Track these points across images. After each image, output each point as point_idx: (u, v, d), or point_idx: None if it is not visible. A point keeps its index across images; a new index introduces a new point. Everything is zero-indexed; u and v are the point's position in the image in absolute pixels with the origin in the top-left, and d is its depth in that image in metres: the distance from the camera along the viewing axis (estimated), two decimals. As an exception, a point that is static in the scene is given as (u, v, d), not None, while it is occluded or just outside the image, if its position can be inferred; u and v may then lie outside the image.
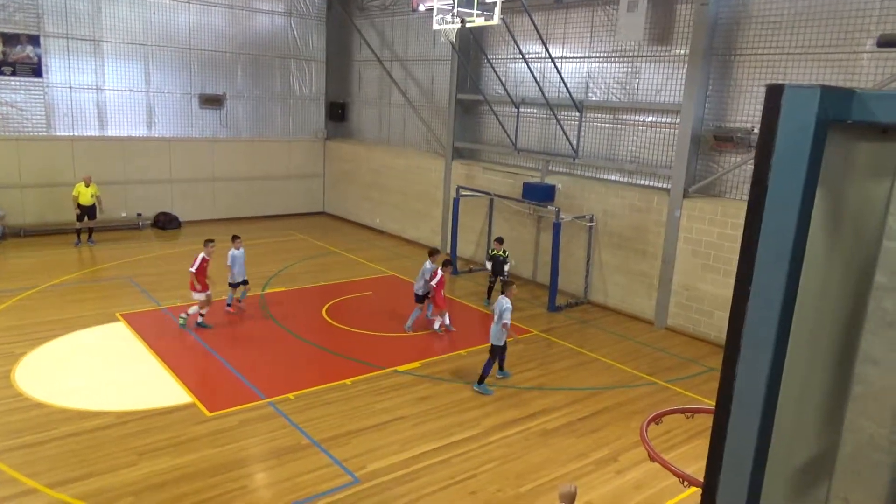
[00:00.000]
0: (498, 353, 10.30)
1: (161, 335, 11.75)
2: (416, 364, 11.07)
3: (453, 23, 14.56)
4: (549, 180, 15.80)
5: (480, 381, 10.17)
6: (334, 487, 7.54)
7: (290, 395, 9.68)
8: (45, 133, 18.35)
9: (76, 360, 10.48)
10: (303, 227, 21.36)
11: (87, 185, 17.47)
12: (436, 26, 14.93)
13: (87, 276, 15.07)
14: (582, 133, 15.53)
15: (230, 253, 12.75)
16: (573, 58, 15.60)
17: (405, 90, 20.70)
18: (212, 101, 20.97)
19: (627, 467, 8.29)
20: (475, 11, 13.94)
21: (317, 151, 23.62)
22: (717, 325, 12.60)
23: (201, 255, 11.86)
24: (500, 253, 14.11)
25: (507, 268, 14.16)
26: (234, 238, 13.01)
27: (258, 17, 21.49)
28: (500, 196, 16.43)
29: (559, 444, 8.78)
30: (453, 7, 14.18)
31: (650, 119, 14.23)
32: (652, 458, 6.10)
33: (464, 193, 16.91)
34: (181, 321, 12.03)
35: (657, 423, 9.31)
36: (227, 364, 10.73)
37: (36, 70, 17.95)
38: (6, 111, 17.74)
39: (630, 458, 8.46)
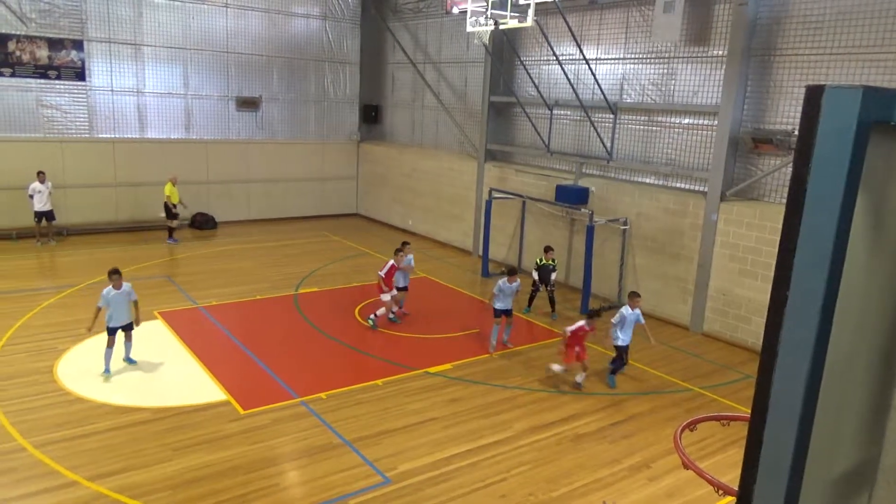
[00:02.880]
0: (624, 351, 10.64)
1: (197, 333, 11.98)
2: (447, 366, 11.08)
3: (486, 25, 14.56)
4: (582, 183, 15.67)
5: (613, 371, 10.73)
6: (365, 487, 7.58)
7: (323, 395, 9.78)
8: (87, 135, 18.87)
9: (115, 356, 10.72)
10: (336, 229, 21.56)
11: (174, 185, 18.32)
12: (469, 28, 14.96)
13: (127, 274, 15.39)
14: (616, 135, 15.37)
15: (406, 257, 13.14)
16: (608, 59, 15.46)
17: (438, 92, 20.76)
18: (248, 104, 21.32)
19: (660, 474, 8.17)
20: (509, 13, 13.93)
21: (350, 153, 23.83)
22: (754, 331, 12.34)
23: (390, 262, 12.62)
24: (550, 262, 13.78)
25: (553, 277, 13.87)
26: (403, 244, 13.41)
27: (294, 21, 21.78)
28: (532, 199, 16.36)
29: (591, 450, 8.69)
30: (487, 9, 14.19)
31: (686, 121, 14.01)
32: (686, 466, 5.99)
33: (496, 196, 16.87)
34: (370, 323, 12.56)
35: (692, 430, 9.15)
36: (261, 363, 10.88)
37: (79, 74, 18.48)
38: (51, 114, 18.29)
39: (663, 466, 8.34)
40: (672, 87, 14.18)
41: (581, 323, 10.43)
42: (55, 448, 7.99)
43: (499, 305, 11.67)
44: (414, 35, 21.63)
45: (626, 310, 10.62)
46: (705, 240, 13.02)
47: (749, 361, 11.87)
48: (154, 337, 11.66)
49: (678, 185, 14.24)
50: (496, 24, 14.35)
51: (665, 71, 14.30)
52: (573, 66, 15.97)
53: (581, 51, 15.13)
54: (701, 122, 13.71)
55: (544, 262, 13.79)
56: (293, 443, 8.52)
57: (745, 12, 12.16)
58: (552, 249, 14.01)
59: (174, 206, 18.39)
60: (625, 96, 15.17)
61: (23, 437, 8.16)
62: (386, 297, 12.55)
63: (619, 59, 15.25)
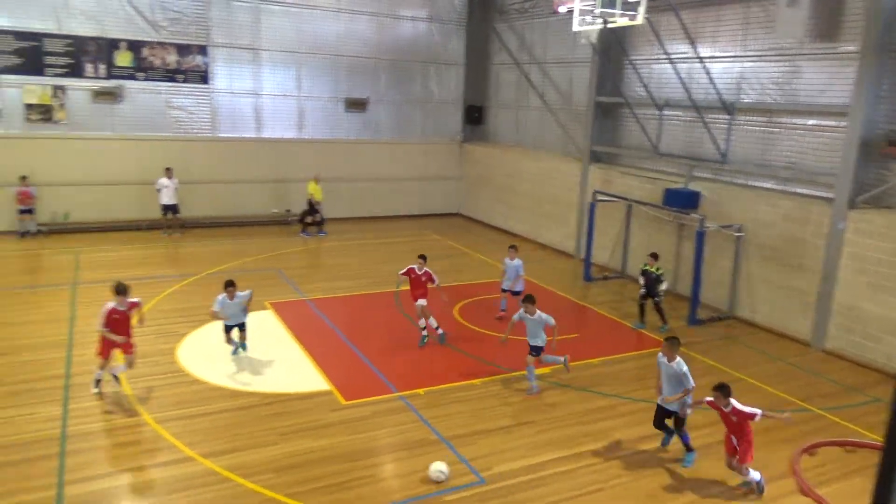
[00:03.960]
0: (682, 422, 8.44)
1: (304, 325, 12.46)
2: (545, 370, 10.91)
3: (594, 23, 14.24)
4: (692, 186, 14.99)
5: (690, 449, 8.39)
6: (460, 485, 7.59)
7: (420, 391, 9.89)
8: (209, 135, 20.12)
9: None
10: (438, 228, 21.81)
11: (317, 183, 19.63)
12: (576, 27, 14.67)
13: (241, 265, 16.29)
14: (731, 137, 14.59)
15: (504, 261, 13.24)
16: (724, 57, 14.70)
17: (542, 93, 20.54)
18: (356, 105, 21.99)
19: (774, 498, 7.64)
20: (618, 11, 13.53)
21: (453, 154, 24.04)
22: (885, 352, 11.33)
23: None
24: (653, 269, 12.93)
25: (661, 288, 12.87)
26: (511, 248, 13.39)
27: (401, 24, 22.24)
28: (638, 202, 15.82)
29: (697, 466, 8.27)
30: (595, 8, 13.86)
31: (811, 122, 13.08)
32: (804, 492, 5.60)
33: (600, 198, 16.46)
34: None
35: (811, 455, 8.56)
36: (363, 356, 11.16)
37: (203, 77, 19.73)
38: (178, 114, 19.64)
39: (777, 489, 7.80)
40: (796, 85, 13.28)
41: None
42: (174, 425, 8.54)
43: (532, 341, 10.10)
44: (519, 35, 21.51)
45: (661, 358, 8.48)
46: (830, 250, 12.10)
47: (878, 384, 10.91)
48: (264, 326, 12.23)
49: (800, 190, 13.31)
50: (604, 22, 13.99)
51: (788, 69, 13.42)
52: (686, 64, 15.31)
53: (695, 49, 14.48)
54: (828, 122, 12.75)
55: (647, 267, 13.07)
56: (391, 436, 8.67)
57: (880, 4, 11.18)
58: (658, 256, 13.19)
59: (317, 202, 19.64)
60: (742, 96, 14.37)
61: (147, 413, 8.79)
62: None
63: (736, 56, 14.46)
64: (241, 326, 10.83)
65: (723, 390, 7.59)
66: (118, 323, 9.05)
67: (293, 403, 9.35)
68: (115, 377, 9.43)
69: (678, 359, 8.27)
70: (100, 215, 18.85)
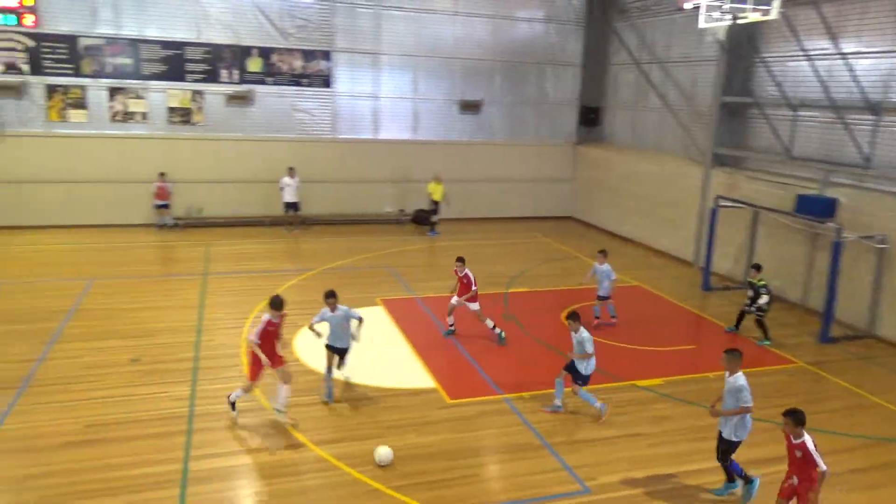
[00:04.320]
0: (733, 449, 7.45)
1: (413, 322, 12.69)
2: (657, 381, 10.47)
3: (723, 20, 13.51)
4: (829, 193, 13.85)
5: (731, 479, 7.58)
6: (564, 493, 7.43)
7: (525, 394, 9.78)
8: (330, 136, 20.98)
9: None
10: (548, 231, 21.53)
11: (438, 183, 20.21)
12: (702, 24, 14.00)
13: (356, 262, 16.86)
14: (877, 139, 13.34)
15: (594, 266, 13.03)
16: (870, 53, 13.46)
17: (663, 93, 19.74)
18: (470, 107, 22.15)
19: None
20: (749, 6, 12.78)
21: (567, 156, 23.65)
22: None
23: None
24: (756, 281, 12.31)
25: (761, 302, 12.19)
26: (600, 252, 13.03)
27: (517, 25, 22.14)
28: (766, 209, 14.81)
29: (826, 496, 7.56)
30: (724, 3, 13.16)
31: (974, 122, 11.72)
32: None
33: (723, 204, 15.55)
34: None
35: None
36: (469, 356, 11.20)
37: (326, 81, 20.60)
38: (301, 117, 20.63)
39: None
40: (956, 82, 11.95)
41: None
42: (290, 412, 8.93)
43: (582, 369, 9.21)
44: (640, 34, 20.80)
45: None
46: None
47: None
48: (375, 322, 12.56)
49: (957, 198, 11.96)
50: (734, 18, 13.25)
51: (948, 64, 12.09)
52: (825, 61, 14.17)
53: (836, 44, 13.37)
54: None
55: (752, 280, 12.39)
56: (495, 437, 8.63)
57: None
58: (760, 268, 12.43)
59: (436, 202, 20.19)
60: (891, 94, 13.09)
61: (265, 398, 9.27)
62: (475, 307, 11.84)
63: (885, 52, 13.20)
64: (343, 353, 9.57)
65: (795, 416, 6.34)
66: (269, 336, 8.50)
67: (400, 399, 9.53)
68: (280, 411, 8.67)
69: (739, 373, 7.37)
70: (229, 211, 20.17)
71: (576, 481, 7.67)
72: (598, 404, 9.12)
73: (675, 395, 10.00)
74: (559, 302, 14.26)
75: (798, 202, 13.96)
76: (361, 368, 10.50)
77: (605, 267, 12.78)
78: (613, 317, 13.07)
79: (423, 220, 21.53)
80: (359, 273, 15.89)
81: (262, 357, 8.40)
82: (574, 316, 9.05)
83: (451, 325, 12.11)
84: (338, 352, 9.55)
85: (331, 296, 9.30)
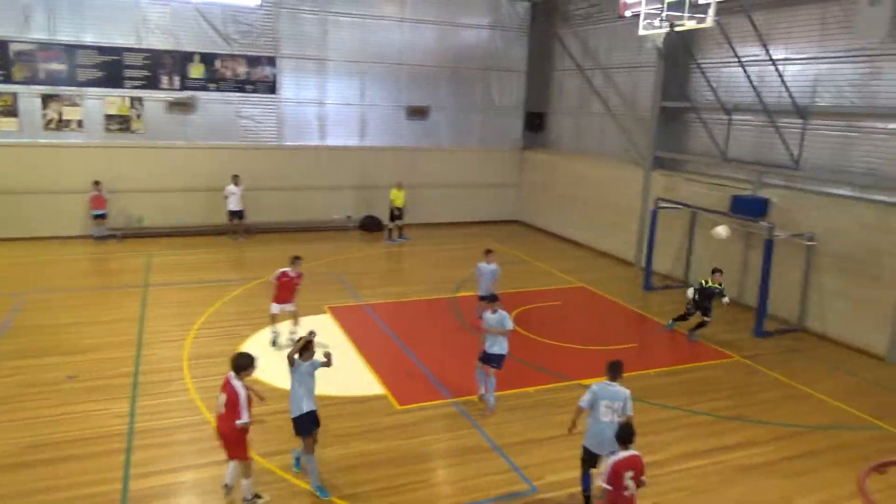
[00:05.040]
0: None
1: (360, 329, 12.64)
2: (602, 379, 10.67)
3: (661, 27, 13.93)
4: (762, 193, 14.43)
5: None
6: (512, 493, 7.53)
7: (475, 397, 9.85)
8: (275, 143, 20.73)
9: (289, 345, 11.60)
10: (496, 235, 21.75)
11: (400, 189, 19.97)
12: (642, 32, 14.40)
13: (303, 270, 16.64)
14: (805, 142, 13.97)
15: (479, 265, 12.96)
16: (798, 59, 14.11)
17: (606, 99, 20.22)
18: (417, 113, 22.23)
19: (843, 521, 7.25)
20: (686, 14, 13.21)
21: (513, 161, 23.96)
22: (971, 369, 10.59)
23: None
24: (717, 286, 12.33)
25: (724, 300, 12.43)
26: (487, 252, 13.05)
27: (464, 32, 22.34)
28: (703, 209, 15.34)
29: (759, 483, 7.93)
30: (662, 11, 13.57)
31: (893, 125, 12.39)
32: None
33: (663, 205, 16.04)
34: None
35: (881, 474, 8.07)
36: (418, 361, 11.22)
37: (271, 87, 20.36)
38: (246, 124, 20.33)
39: (847, 511, 7.40)
40: (877, 87, 12.62)
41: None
42: (234, 424, 8.78)
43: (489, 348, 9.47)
44: (583, 41, 21.26)
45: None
46: (911, 260, 11.42)
47: (963, 404, 10.21)
48: (322, 330, 12.43)
49: (879, 197, 12.62)
50: (671, 26, 13.67)
51: (868, 70, 12.76)
52: (757, 67, 14.78)
53: (767, 51, 13.96)
54: (910, 126, 12.06)
55: (710, 284, 12.42)
56: (445, 441, 8.68)
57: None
58: (721, 272, 12.58)
59: (399, 208, 20.05)
60: (817, 99, 13.75)
61: (209, 412, 9.09)
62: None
63: (811, 58, 13.86)
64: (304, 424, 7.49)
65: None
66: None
67: (348, 406, 9.49)
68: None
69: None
70: (171, 220, 19.70)
71: (524, 481, 7.78)
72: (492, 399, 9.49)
73: (620, 393, 10.23)
74: (509, 305, 14.39)
75: (733, 203, 14.49)
76: (309, 377, 10.41)
77: (493, 266, 12.75)
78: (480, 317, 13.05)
79: (373, 226, 21.50)
80: (306, 281, 15.64)
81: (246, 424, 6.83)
82: (493, 297, 9.79)
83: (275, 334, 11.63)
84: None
85: (305, 350, 7.43)
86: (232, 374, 6.93)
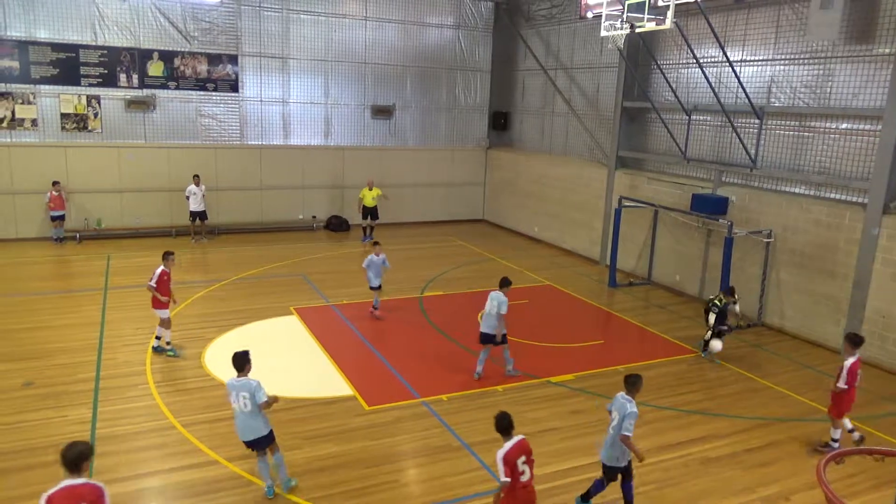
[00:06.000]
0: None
1: (328, 330, 12.55)
2: (569, 376, 10.83)
3: (622, 28, 14.14)
4: (721, 192, 14.79)
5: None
6: (483, 491, 7.57)
7: (444, 397, 9.88)
8: (238, 142, 20.43)
9: (255, 347, 11.41)
10: (462, 234, 21.82)
11: (371, 189, 19.78)
12: (604, 33, 14.59)
13: (268, 272, 16.49)
14: (761, 141, 14.36)
15: (370, 257, 13.18)
16: (754, 61, 14.49)
17: (569, 98, 20.46)
18: (382, 112, 22.16)
19: (802, 509, 7.48)
20: (646, 16, 13.43)
21: (478, 160, 24.07)
22: (920, 360, 11.03)
23: None
24: (732, 300, 12.00)
25: (737, 310, 12.31)
26: (375, 244, 13.57)
27: (428, 31, 22.35)
28: (665, 208, 15.65)
29: (722, 475, 8.13)
30: (623, 12, 13.78)
31: (844, 126, 12.82)
32: (831, 503, 5.46)
33: (626, 204, 16.31)
34: None
35: (838, 463, 8.32)
36: (386, 362, 11.19)
37: (233, 86, 20.06)
38: (208, 123, 19.99)
39: (804, 499, 7.64)
40: (828, 89, 13.04)
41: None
42: (200, 428, 8.66)
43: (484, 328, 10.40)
44: (546, 41, 21.47)
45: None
46: (863, 256, 11.83)
47: (913, 393, 10.62)
48: (289, 331, 12.35)
49: (832, 195, 13.05)
50: (632, 27, 13.89)
51: (821, 72, 13.17)
52: (715, 68, 15.14)
53: (725, 53, 14.30)
54: (861, 126, 12.48)
55: (725, 301, 11.80)
56: (414, 441, 8.67)
57: (918, 5, 10.94)
58: (734, 289, 12.28)
59: (368, 208, 19.91)
60: (773, 100, 14.14)
61: (174, 417, 8.92)
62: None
63: (767, 60, 14.25)
64: (260, 444, 7.32)
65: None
66: None
67: (316, 408, 9.42)
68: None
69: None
70: (131, 222, 19.25)
71: (494, 479, 7.80)
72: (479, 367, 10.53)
73: (587, 389, 10.39)
74: (473, 304, 14.47)
75: (693, 201, 14.81)
76: (276, 379, 10.28)
77: (381, 257, 13.13)
78: (375, 308, 13.34)
79: (339, 226, 21.36)
80: (271, 282, 15.55)
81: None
82: (505, 282, 10.64)
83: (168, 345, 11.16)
84: (255, 444, 7.36)
85: (240, 360, 7.41)
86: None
